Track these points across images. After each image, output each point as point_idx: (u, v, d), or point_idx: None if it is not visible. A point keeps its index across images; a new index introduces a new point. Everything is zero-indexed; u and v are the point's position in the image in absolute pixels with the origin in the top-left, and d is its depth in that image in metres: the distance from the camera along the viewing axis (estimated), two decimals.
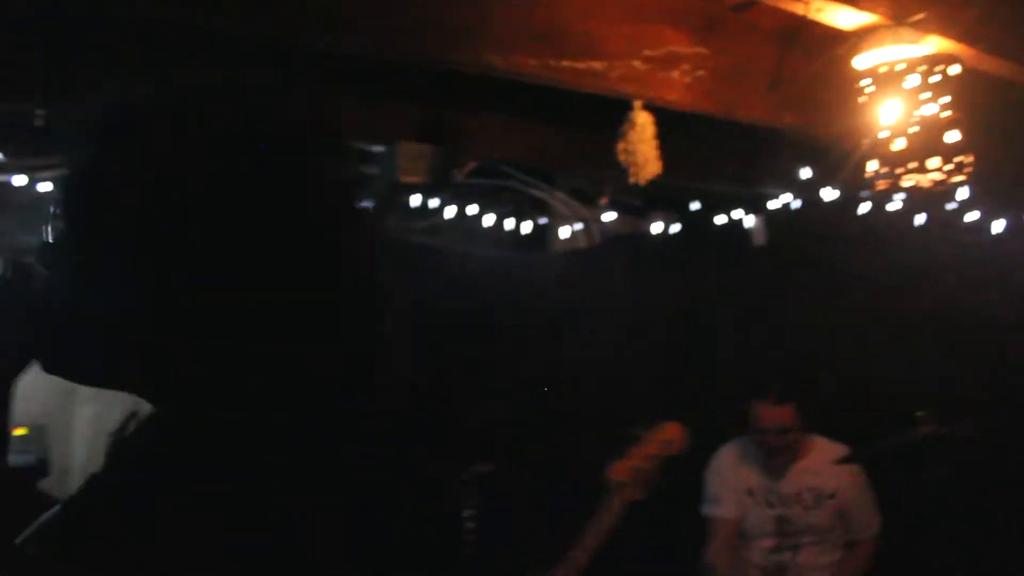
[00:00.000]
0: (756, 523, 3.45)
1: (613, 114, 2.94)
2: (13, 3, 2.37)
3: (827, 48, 2.89)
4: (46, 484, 3.01)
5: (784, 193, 4.21)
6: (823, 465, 3.41)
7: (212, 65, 2.62)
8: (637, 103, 2.88)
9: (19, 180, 3.65)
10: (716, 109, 3.06)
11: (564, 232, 4.55)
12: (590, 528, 2.44)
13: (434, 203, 4.03)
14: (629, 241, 4.62)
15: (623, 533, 2.50)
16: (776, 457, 3.41)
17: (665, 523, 3.51)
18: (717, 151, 3.77)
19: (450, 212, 4.03)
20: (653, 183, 2.97)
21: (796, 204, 4.21)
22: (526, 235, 4.46)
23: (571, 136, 3.75)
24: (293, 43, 2.58)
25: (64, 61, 2.86)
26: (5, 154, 3.67)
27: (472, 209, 4.13)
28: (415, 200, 3.96)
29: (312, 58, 2.94)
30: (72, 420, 3.95)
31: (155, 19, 2.54)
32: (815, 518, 3.40)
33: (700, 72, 2.94)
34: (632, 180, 2.88)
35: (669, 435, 2.57)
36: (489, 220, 4.24)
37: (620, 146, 2.88)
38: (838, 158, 3.20)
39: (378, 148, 3.50)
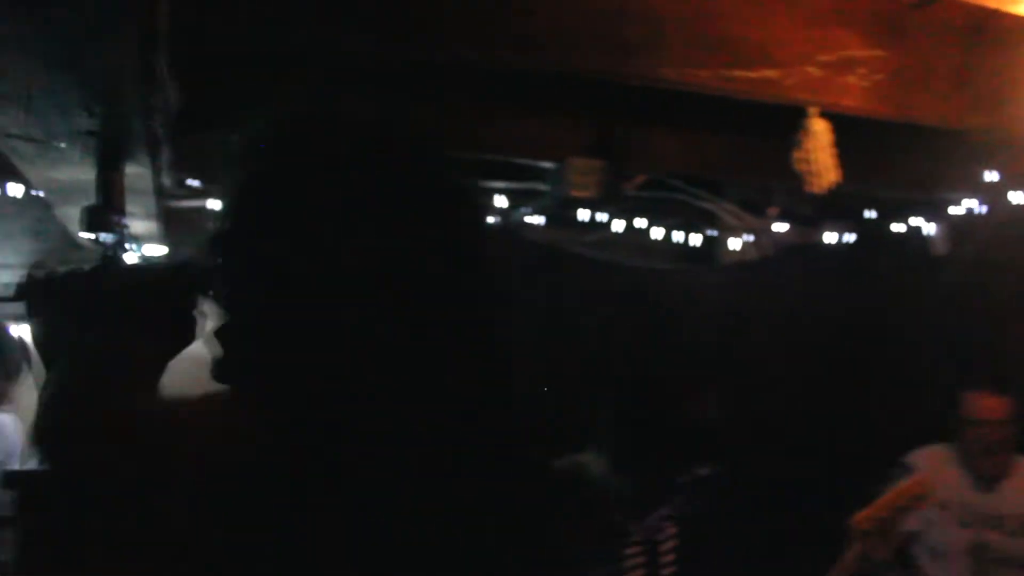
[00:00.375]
0: (946, 541, 3.21)
1: (782, 122, 2.90)
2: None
3: (1017, 42, 2.76)
4: None
5: (968, 198, 4.02)
6: None
7: (384, 85, 2.78)
8: (813, 110, 2.83)
9: (213, 204, 3.94)
10: (895, 113, 2.96)
11: (734, 244, 4.49)
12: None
13: (602, 217, 4.08)
14: (801, 251, 4.52)
15: None
16: (989, 465, 3.14)
17: None
18: (895, 156, 3.64)
19: (619, 226, 4.07)
20: (827, 191, 2.91)
21: (981, 210, 4.02)
22: (695, 247, 4.44)
23: (740, 146, 3.72)
24: (472, 64, 2.69)
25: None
26: (203, 181, 3.96)
27: (641, 222, 4.15)
28: (584, 214, 4.02)
29: (485, 77, 3.06)
30: None
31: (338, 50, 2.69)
32: (1017, 548, 3.06)
33: (878, 75, 2.86)
34: (809, 189, 2.82)
35: (921, 489, 2.38)
36: (658, 233, 4.25)
37: (796, 155, 2.83)
38: None
39: (547, 164, 3.59)
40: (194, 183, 3.83)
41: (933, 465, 3.27)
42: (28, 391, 3.70)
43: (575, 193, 3.25)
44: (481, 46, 2.53)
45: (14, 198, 3.85)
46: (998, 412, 3.06)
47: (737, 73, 2.65)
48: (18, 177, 3.05)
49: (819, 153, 2.84)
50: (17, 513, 2.82)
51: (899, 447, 3.45)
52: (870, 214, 4.32)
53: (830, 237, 4.47)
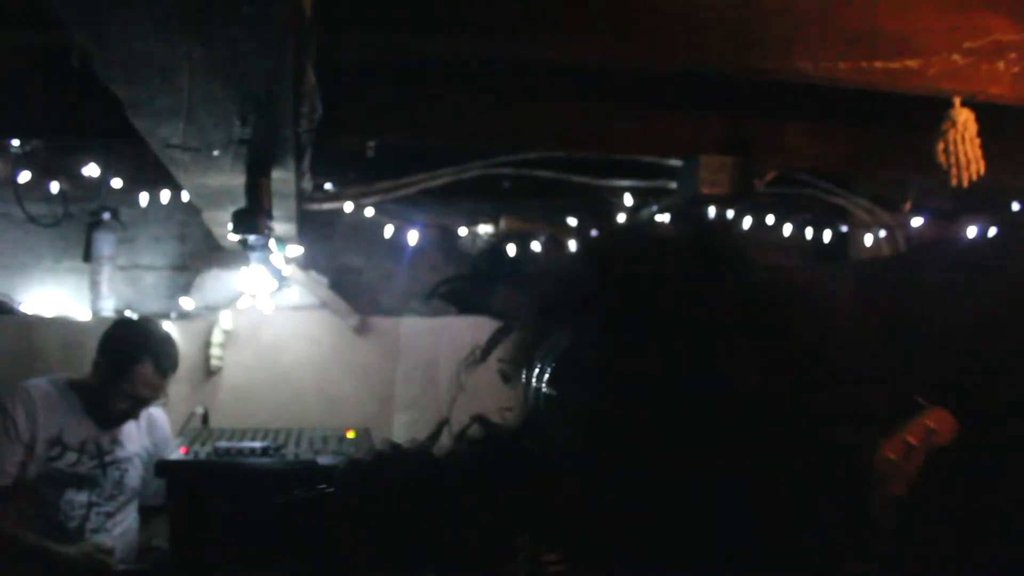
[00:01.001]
0: None
1: (918, 113, 2.80)
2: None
3: None
4: None
5: None
6: None
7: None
8: (957, 100, 2.72)
9: (348, 207, 4.07)
10: None
11: (867, 240, 4.36)
12: None
13: (730, 214, 4.02)
14: (940, 247, 4.35)
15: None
16: None
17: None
18: None
19: (748, 223, 4.00)
20: (967, 187, 2.79)
21: None
22: (827, 244, 4.33)
23: (873, 140, 3.60)
24: (600, 62, 2.69)
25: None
26: (336, 184, 4.10)
27: (770, 219, 4.07)
28: (712, 212, 3.97)
29: (614, 75, 3.06)
30: (391, 425, 4.34)
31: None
32: None
33: None
34: (954, 183, 2.71)
35: (934, 422, 2.24)
36: (788, 230, 4.16)
37: (939, 147, 2.72)
38: None
39: (676, 162, 3.56)
40: (328, 186, 3.97)
41: None
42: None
43: (706, 190, 3.21)
44: (609, 44, 2.53)
45: (163, 204, 4.07)
46: None
47: (877, 64, 2.56)
48: (170, 182, 3.21)
49: (964, 144, 2.72)
50: (169, 501, 3.00)
51: None
52: (1016, 206, 4.12)
53: (971, 231, 4.28)
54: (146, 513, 3.39)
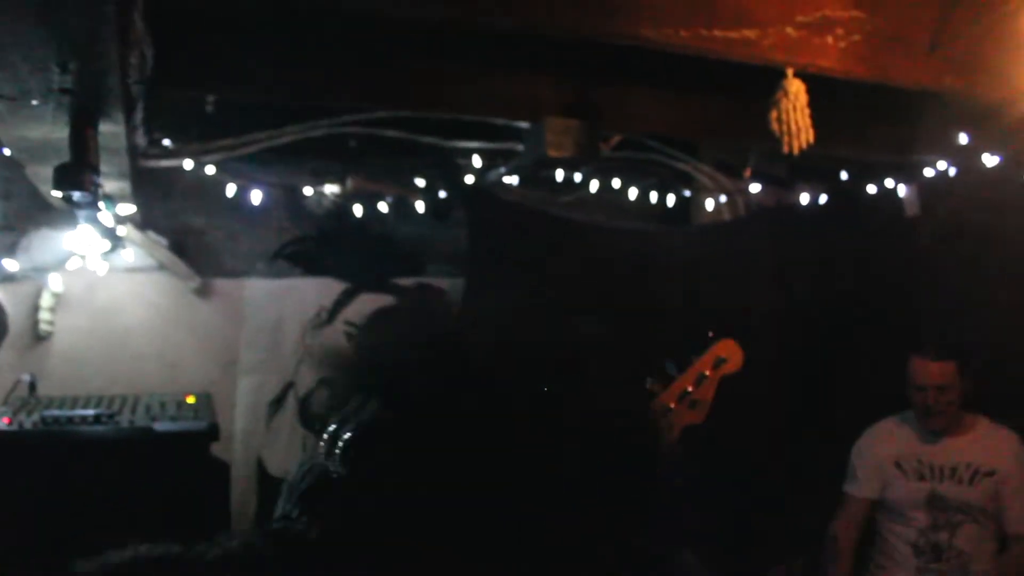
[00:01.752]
0: (904, 497, 3.35)
1: (757, 83, 2.91)
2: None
3: (995, 5, 2.77)
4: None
5: (940, 161, 4.06)
6: (984, 442, 3.29)
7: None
8: (790, 71, 2.83)
9: (187, 164, 3.90)
10: (871, 74, 2.96)
11: (709, 205, 4.51)
12: None
13: (578, 177, 4.08)
14: (775, 213, 4.55)
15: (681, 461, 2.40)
16: (932, 423, 3.29)
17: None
18: (869, 118, 3.67)
19: (595, 186, 4.06)
20: (801, 152, 2.93)
21: (953, 172, 4.06)
22: (670, 208, 4.46)
23: (716, 107, 3.72)
24: (451, 22, 2.66)
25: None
26: (174, 140, 3.91)
27: (616, 183, 4.15)
28: (560, 175, 4.02)
29: (463, 35, 3.03)
30: (235, 390, 4.23)
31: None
32: (970, 496, 3.26)
33: (855, 36, 2.86)
34: (785, 150, 2.83)
35: (723, 352, 2.38)
36: (633, 193, 4.25)
37: (772, 115, 2.84)
38: (1005, 123, 3.06)
39: (524, 124, 3.57)
40: (167, 142, 3.78)
41: (887, 431, 3.46)
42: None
43: (552, 153, 3.24)
44: (460, 4, 2.50)
45: None
46: (937, 378, 3.22)
47: (716, 33, 2.64)
48: None
49: (795, 114, 2.85)
50: None
51: (869, 415, 3.55)
52: (844, 175, 4.35)
53: (804, 198, 4.50)
54: None
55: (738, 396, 2.39)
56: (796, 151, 2.84)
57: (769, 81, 2.87)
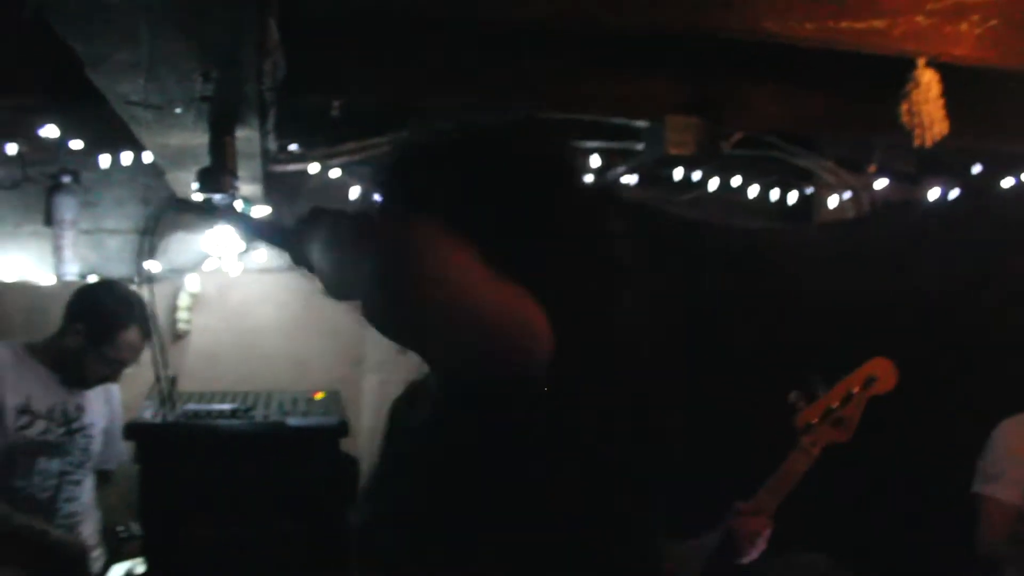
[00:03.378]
0: None
1: (883, 75, 2.82)
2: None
3: None
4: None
5: None
6: None
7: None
8: (921, 61, 2.74)
9: (313, 168, 4.03)
10: (1010, 62, 2.83)
11: (832, 202, 4.39)
12: (778, 472, 2.28)
13: (697, 175, 4.03)
14: (903, 210, 4.39)
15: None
16: None
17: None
18: (1007, 107, 3.50)
19: (714, 184, 4.01)
20: (934, 145, 2.82)
21: None
22: (791, 206, 4.36)
23: (837, 102, 3.62)
24: (567, 22, 2.68)
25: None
26: (301, 145, 4.05)
27: (736, 181, 4.09)
28: (678, 173, 3.98)
29: (580, 35, 3.04)
30: (361, 387, 4.34)
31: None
32: None
33: (992, 22, 2.74)
34: (917, 143, 2.74)
35: (875, 371, 2.30)
36: (753, 191, 4.18)
37: (903, 107, 2.75)
38: None
39: (642, 123, 3.56)
40: (294, 147, 3.93)
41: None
42: None
43: (673, 151, 3.22)
44: (573, 3, 2.52)
45: (125, 166, 4.00)
46: None
47: (843, 24, 2.57)
48: (132, 144, 3.16)
49: (927, 105, 2.75)
50: (140, 464, 2.99)
51: (996, 416, 3.37)
52: (977, 169, 4.16)
53: (933, 194, 4.33)
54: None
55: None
56: (929, 143, 2.75)
57: (895, 72, 2.78)
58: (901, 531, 3.73)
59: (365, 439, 4.25)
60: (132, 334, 3.04)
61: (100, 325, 3.05)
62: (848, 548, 3.32)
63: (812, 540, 2.99)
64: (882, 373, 2.30)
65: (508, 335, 0.97)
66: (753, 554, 2.10)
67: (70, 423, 3.10)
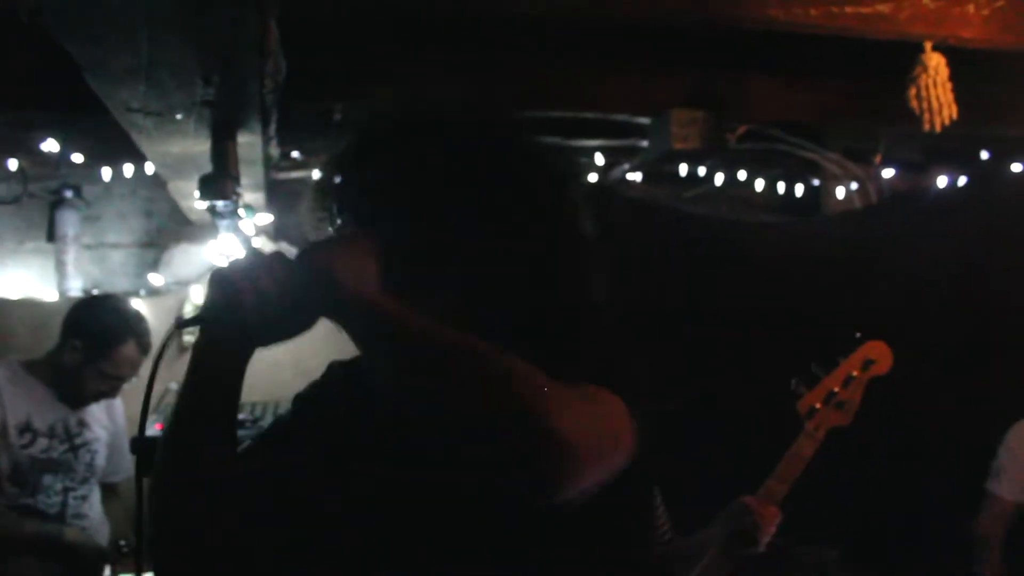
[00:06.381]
0: None
1: (887, 65, 2.78)
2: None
3: None
4: None
5: None
6: None
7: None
8: (928, 44, 2.70)
9: (315, 175, 4.00)
10: (1019, 43, 2.80)
11: (839, 193, 4.36)
12: (785, 459, 2.29)
13: (702, 171, 4.00)
14: (910, 199, 4.35)
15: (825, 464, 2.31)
16: None
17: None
18: (1015, 90, 3.46)
19: (720, 179, 3.98)
20: (936, 134, 2.78)
21: None
22: (799, 199, 4.32)
23: (840, 92, 3.58)
24: (568, 17, 2.65)
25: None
26: (303, 152, 4.02)
27: (742, 175, 4.05)
28: (684, 169, 3.95)
29: (580, 31, 3.01)
30: None
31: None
32: None
33: (999, 3, 2.70)
34: (926, 127, 2.70)
35: (872, 354, 2.32)
36: (760, 185, 4.15)
37: (911, 92, 2.71)
38: None
39: (645, 120, 3.52)
40: (295, 154, 3.89)
41: None
42: None
43: (678, 145, 3.18)
44: None
45: (127, 178, 3.98)
46: None
47: (848, 10, 2.54)
48: (133, 155, 3.14)
49: (936, 89, 2.71)
50: (151, 477, 2.95)
51: (1015, 409, 3.34)
52: (985, 155, 4.12)
53: (941, 182, 4.29)
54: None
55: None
56: (939, 128, 2.71)
57: (900, 61, 2.74)
58: (904, 525, 3.70)
59: None
60: (130, 349, 3.00)
61: (97, 340, 3.00)
62: (853, 541, 3.29)
63: (818, 533, 2.96)
64: (878, 355, 2.31)
65: (616, 463, 0.99)
66: (763, 543, 2.09)
67: (72, 439, 3.06)
